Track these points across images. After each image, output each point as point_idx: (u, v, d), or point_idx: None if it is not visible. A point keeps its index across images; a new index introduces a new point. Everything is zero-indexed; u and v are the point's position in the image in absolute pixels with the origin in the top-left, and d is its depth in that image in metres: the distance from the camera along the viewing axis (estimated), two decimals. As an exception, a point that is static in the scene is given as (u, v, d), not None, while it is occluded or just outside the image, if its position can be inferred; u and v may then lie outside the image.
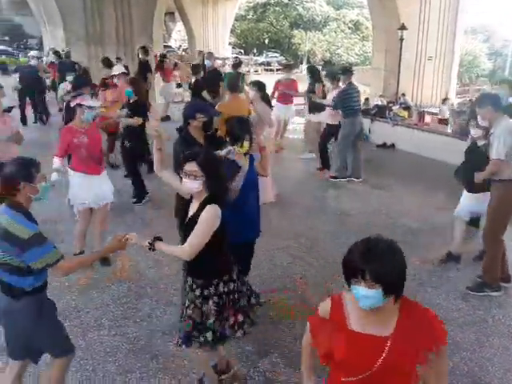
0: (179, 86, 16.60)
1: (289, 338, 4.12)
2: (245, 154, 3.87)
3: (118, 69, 9.47)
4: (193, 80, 10.79)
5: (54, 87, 13.34)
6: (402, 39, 17.74)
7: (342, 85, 8.31)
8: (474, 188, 5.04)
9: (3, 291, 2.84)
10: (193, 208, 3.01)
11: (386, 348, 1.94)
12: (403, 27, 17.59)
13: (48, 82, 14.71)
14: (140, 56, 13.64)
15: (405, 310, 2.01)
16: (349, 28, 44.24)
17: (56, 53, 15.74)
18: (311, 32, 43.97)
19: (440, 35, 20.97)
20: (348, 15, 45.38)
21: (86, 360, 3.85)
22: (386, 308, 1.96)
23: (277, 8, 44.90)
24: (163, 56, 15.56)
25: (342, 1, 48.27)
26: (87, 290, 4.84)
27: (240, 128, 3.85)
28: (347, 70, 8.56)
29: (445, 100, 17.50)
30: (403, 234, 6.21)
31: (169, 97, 13.79)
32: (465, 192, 5.28)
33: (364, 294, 1.90)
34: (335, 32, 43.76)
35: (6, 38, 42.97)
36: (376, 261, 1.89)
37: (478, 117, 4.78)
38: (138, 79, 8.31)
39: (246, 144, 3.82)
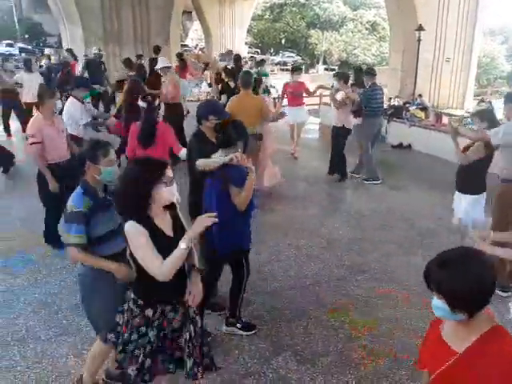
0: (210, 85, 16.93)
1: (302, 337, 4.12)
2: None
3: (162, 62, 9.61)
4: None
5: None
6: (419, 40, 17.56)
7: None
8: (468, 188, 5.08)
9: None
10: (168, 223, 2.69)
11: (451, 361, 1.85)
12: (421, 28, 17.41)
13: None
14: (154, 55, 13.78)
15: (489, 335, 1.81)
16: (366, 28, 43.99)
17: (69, 50, 15.89)
18: (328, 32, 43.82)
19: (458, 36, 20.74)
20: (365, 16, 45.13)
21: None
22: (469, 324, 1.83)
23: (294, 8, 44.83)
24: (180, 55, 15.61)
25: (359, 1, 48.05)
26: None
27: (236, 132, 3.74)
28: (370, 72, 8.54)
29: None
30: (419, 235, 6.19)
31: (184, 93, 14.00)
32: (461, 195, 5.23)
33: (434, 303, 1.85)
34: (352, 32, 43.54)
35: (26, 36, 43.45)
36: (442, 271, 1.78)
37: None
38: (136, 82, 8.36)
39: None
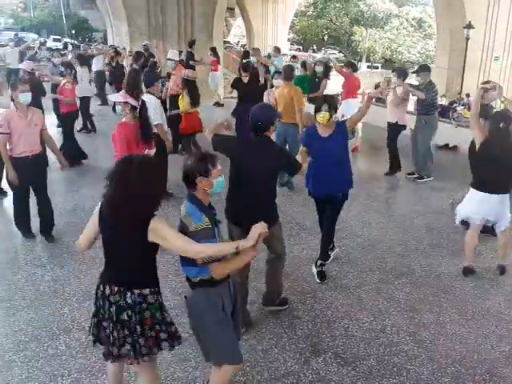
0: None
1: (343, 339, 4.07)
2: None
3: (172, 54, 9.87)
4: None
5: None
6: (467, 38, 17.14)
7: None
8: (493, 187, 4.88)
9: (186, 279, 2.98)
10: None
11: None
12: (470, 26, 16.99)
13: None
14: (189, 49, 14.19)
15: None
16: (411, 26, 43.10)
17: (112, 46, 16.25)
18: (372, 29, 43.15)
19: (508, 34, 20.12)
20: (411, 12, 44.24)
21: (143, 346, 3.94)
22: None
23: (338, 4, 44.34)
24: (213, 49, 15.81)
25: (405, -3, 47.14)
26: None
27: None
28: (427, 68, 8.41)
29: None
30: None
31: (214, 85, 15.33)
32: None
33: None
34: (397, 29, 42.74)
35: (73, 32, 44.56)
36: None
37: None
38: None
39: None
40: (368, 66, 36.26)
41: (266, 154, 3.82)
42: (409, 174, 8.51)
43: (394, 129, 8.40)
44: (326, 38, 47.01)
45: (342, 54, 42.65)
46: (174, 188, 6.34)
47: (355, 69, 10.39)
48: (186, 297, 3.05)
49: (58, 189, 7.31)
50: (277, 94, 7.68)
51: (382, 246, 5.81)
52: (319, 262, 5.04)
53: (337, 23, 45.43)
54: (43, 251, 5.47)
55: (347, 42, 45.54)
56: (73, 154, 8.33)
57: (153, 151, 5.61)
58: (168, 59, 9.88)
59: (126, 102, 5.25)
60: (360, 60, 40.58)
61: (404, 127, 8.42)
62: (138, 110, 5.34)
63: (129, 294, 2.75)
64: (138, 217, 2.63)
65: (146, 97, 6.48)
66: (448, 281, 5.07)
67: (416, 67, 9.60)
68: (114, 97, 5.89)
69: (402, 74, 8.28)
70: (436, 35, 23.91)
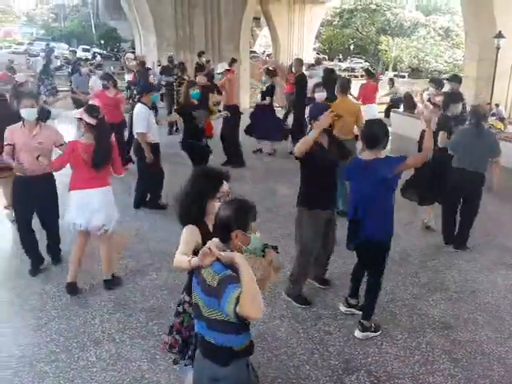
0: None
1: (376, 356, 3.98)
2: None
3: (222, 66, 10.00)
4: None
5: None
6: (498, 48, 16.81)
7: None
8: None
9: (208, 356, 2.52)
10: None
11: None
12: (500, 35, 16.65)
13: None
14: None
15: None
16: (439, 35, 42.63)
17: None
18: (399, 38, 42.85)
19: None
20: (438, 21, 43.78)
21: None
22: None
23: (364, 14, 44.19)
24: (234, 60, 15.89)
25: (432, 6, 46.69)
26: (177, 290, 4.90)
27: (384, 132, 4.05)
28: (457, 77, 8.26)
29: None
30: (502, 251, 5.86)
31: None
32: None
33: None
34: (424, 38, 42.32)
35: (102, 42, 45.34)
36: None
37: None
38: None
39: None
40: (395, 75, 35.96)
41: None
42: None
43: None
44: (352, 47, 46.87)
45: (368, 64, 42.44)
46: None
47: (372, 75, 11.14)
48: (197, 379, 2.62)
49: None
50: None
51: (414, 261, 5.69)
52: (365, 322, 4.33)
53: (363, 32, 45.26)
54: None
55: (373, 52, 45.30)
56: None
57: (122, 175, 5.24)
58: (217, 73, 10.16)
59: (81, 119, 4.62)
60: (386, 69, 40.31)
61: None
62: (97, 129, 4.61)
63: None
64: None
65: (137, 106, 6.85)
66: (483, 297, 4.93)
67: (445, 76, 9.51)
68: (74, 112, 5.22)
69: (439, 84, 8.13)
70: (464, 44, 23.57)
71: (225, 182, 2.95)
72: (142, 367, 3.82)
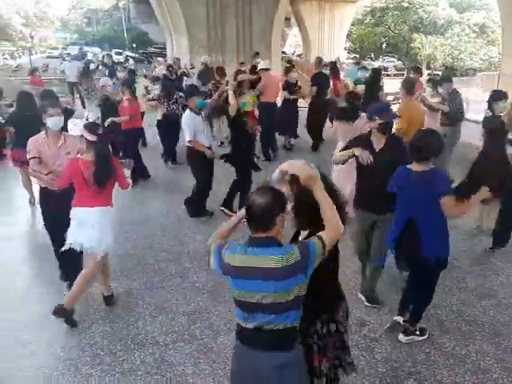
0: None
1: (425, 364, 3.86)
2: None
3: (264, 64, 10.08)
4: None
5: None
6: (538, 43, 16.33)
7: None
8: None
9: (271, 347, 2.48)
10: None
11: None
12: (540, 30, 16.16)
13: None
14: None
15: None
16: (473, 32, 41.63)
17: (177, 59, 16.49)
18: (432, 36, 42.06)
19: None
20: (473, 18, 42.75)
21: (217, 364, 3.89)
22: None
23: (396, 12, 43.47)
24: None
25: (466, 3, 45.65)
26: (218, 293, 4.91)
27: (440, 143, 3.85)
28: (448, 78, 8.35)
29: None
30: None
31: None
32: None
33: None
34: (458, 36, 41.40)
35: (134, 45, 45.94)
36: None
37: None
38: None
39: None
40: (428, 74, 35.35)
41: None
42: None
43: None
44: (384, 45, 46.24)
45: (400, 62, 41.80)
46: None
47: (420, 73, 10.56)
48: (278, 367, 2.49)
49: (124, 203, 7.31)
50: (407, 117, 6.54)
51: (461, 265, 5.52)
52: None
53: (395, 31, 44.56)
54: (116, 264, 5.50)
55: (406, 50, 44.57)
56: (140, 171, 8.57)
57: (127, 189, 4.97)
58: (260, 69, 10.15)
59: (82, 136, 4.49)
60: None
61: None
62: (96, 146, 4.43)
63: None
64: None
65: (185, 112, 6.76)
66: (534, 303, 4.75)
67: (480, 74, 9.27)
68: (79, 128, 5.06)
69: (434, 84, 8.03)
70: (501, 41, 22.96)
71: None
72: (186, 371, 3.80)
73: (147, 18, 46.06)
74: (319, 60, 11.78)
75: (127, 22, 52.64)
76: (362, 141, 4.42)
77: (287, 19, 39.21)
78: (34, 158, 4.75)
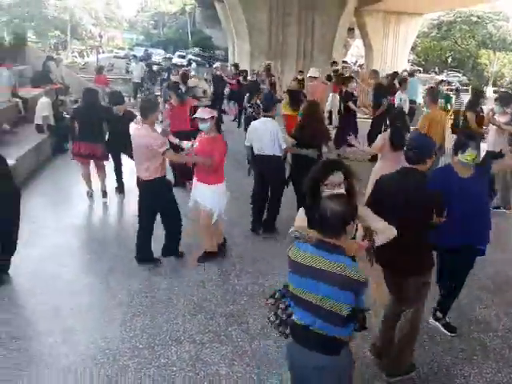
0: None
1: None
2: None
3: (312, 72, 10.11)
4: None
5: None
6: None
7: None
8: None
9: (313, 346, 2.54)
10: None
11: None
12: None
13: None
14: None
15: None
16: (546, 49, 39.97)
17: (235, 65, 16.67)
18: (501, 52, 40.61)
19: None
20: (546, 35, 41.05)
21: (251, 367, 3.90)
22: None
23: (464, 26, 42.29)
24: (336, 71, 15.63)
25: (540, 18, 43.84)
26: (258, 297, 4.93)
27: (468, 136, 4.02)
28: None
29: None
30: None
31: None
32: None
33: None
34: (529, 54, 39.86)
35: (197, 49, 46.82)
36: None
37: None
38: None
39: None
40: (494, 91, 34.15)
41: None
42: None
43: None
44: (449, 60, 45.07)
45: (465, 78, 40.60)
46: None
47: None
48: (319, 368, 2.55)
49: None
50: (429, 119, 7.30)
51: (509, 288, 5.30)
52: (438, 313, 4.51)
53: (462, 45, 43.36)
54: (160, 259, 5.67)
55: (472, 65, 43.26)
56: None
57: None
58: (309, 77, 10.21)
59: (212, 118, 5.35)
60: (486, 84, 38.29)
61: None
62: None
63: None
64: None
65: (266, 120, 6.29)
66: None
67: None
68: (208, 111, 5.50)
69: (503, 102, 7.64)
70: None
71: (338, 174, 2.92)
72: (219, 371, 3.84)
73: (211, 23, 46.84)
74: (375, 72, 11.92)
75: (192, 25, 53.77)
76: None
77: (351, 29, 38.92)
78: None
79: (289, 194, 6.47)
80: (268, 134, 6.12)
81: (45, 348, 4.11)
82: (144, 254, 5.57)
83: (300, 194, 6.15)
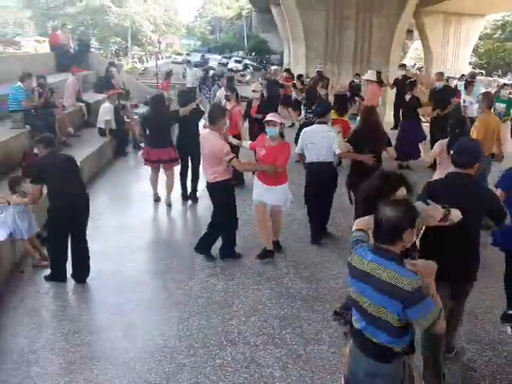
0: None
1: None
2: None
3: (368, 75, 10.00)
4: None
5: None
6: None
7: None
8: None
9: (367, 352, 2.57)
10: None
11: None
12: None
13: None
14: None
15: None
16: None
17: (287, 70, 16.68)
18: None
19: None
20: None
21: (305, 371, 3.90)
22: None
23: (531, 26, 40.61)
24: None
25: None
26: (312, 301, 4.93)
27: None
28: None
29: None
30: None
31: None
32: None
33: None
34: None
35: (253, 54, 47.18)
36: None
37: None
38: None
39: None
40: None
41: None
42: None
43: None
44: (514, 62, 43.33)
45: (531, 80, 38.85)
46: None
47: None
48: (353, 373, 2.65)
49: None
50: (483, 125, 6.86)
51: None
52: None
53: (528, 47, 41.60)
54: (217, 261, 5.76)
55: (539, 68, 41.39)
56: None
57: None
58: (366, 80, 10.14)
59: (282, 123, 5.63)
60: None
61: None
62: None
63: None
64: None
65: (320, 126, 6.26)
66: None
67: None
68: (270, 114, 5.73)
69: None
70: None
71: (402, 189, 2.91)
72: (274, 374, 3.86)
73: (267, 27, 47.06)
74: (441, 74, 11.48)
75: (248, 30, 54.23)
76: None
77: (410, 31, 38.13)
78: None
79: (344, 199, 6.40)
80: (323, 141, 6.04)
81: (106, 343, 4.28)
82: (203, 247, 5.80)
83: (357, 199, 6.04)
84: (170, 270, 5.59)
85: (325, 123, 6.24)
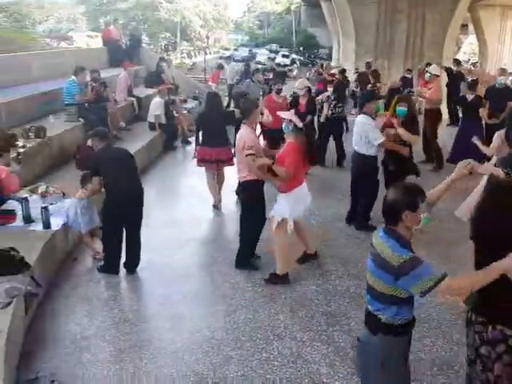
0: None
1: None
2: None
3: (434, 69, 9.81)
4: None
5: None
6: None
7: None
8: None
9: (365, 321, 2.78)
10: None
11: None
12: None
13: None
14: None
15: None
16: None
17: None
18: None
19: None
20: None
21: (353, 369, 3.85)
22: None
23: None
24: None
25: None
26: (360, 300, 4.86)
27: None
28: None
29: None
30: None
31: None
32: None
33: None
34: None
35: (301, 48, 46.94)
36: None
37: None
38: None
39: None
40: None
41: None
42: None
43: None
44: None
45: None
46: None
47: None
48: (358, 339, 2.85)
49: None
50: None
51: None
52: None
53: None
54: (263, 256, 5.77)
55: None
56: None
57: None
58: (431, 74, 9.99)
59: (290, 120, 5.07)
60: None
61: None
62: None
63: (490, 327, 2.63)
64: None
65: (360, 118, 6.31)
66: None
67: None
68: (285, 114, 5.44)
69: None
70: None
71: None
72: (320, 371, 3.85)
73: (316, 22, 46.63)
74: (503, 70, 10.95)
75: (297, 24, 53.94)
76: None
77: (464, 25, 36.99)
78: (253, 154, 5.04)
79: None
80: (359, 132, 6.22)
81: (154, 332, 4.37)
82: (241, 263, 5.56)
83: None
84: (217, 263, 5.65)
85: (365, 113, 6.25)
